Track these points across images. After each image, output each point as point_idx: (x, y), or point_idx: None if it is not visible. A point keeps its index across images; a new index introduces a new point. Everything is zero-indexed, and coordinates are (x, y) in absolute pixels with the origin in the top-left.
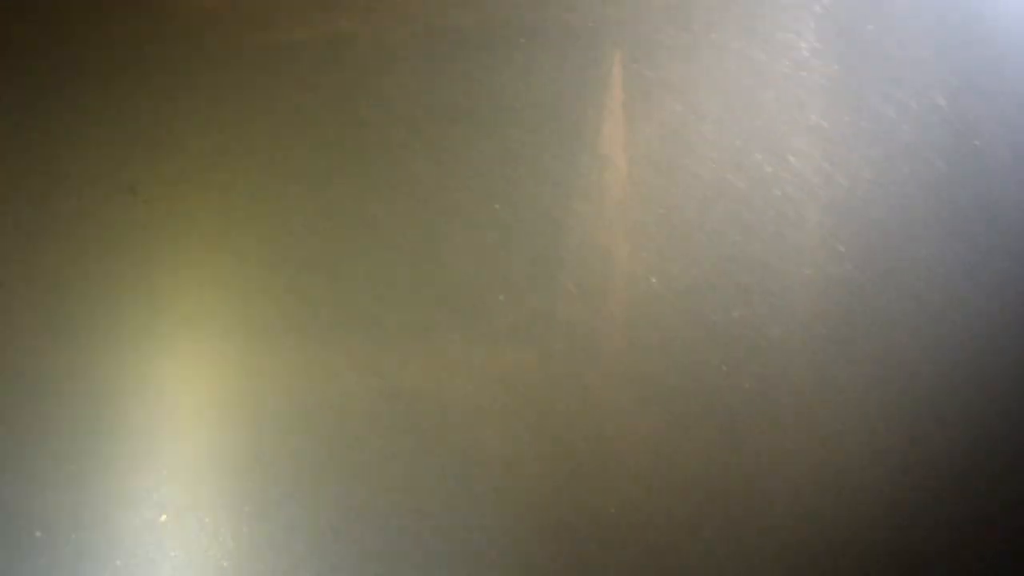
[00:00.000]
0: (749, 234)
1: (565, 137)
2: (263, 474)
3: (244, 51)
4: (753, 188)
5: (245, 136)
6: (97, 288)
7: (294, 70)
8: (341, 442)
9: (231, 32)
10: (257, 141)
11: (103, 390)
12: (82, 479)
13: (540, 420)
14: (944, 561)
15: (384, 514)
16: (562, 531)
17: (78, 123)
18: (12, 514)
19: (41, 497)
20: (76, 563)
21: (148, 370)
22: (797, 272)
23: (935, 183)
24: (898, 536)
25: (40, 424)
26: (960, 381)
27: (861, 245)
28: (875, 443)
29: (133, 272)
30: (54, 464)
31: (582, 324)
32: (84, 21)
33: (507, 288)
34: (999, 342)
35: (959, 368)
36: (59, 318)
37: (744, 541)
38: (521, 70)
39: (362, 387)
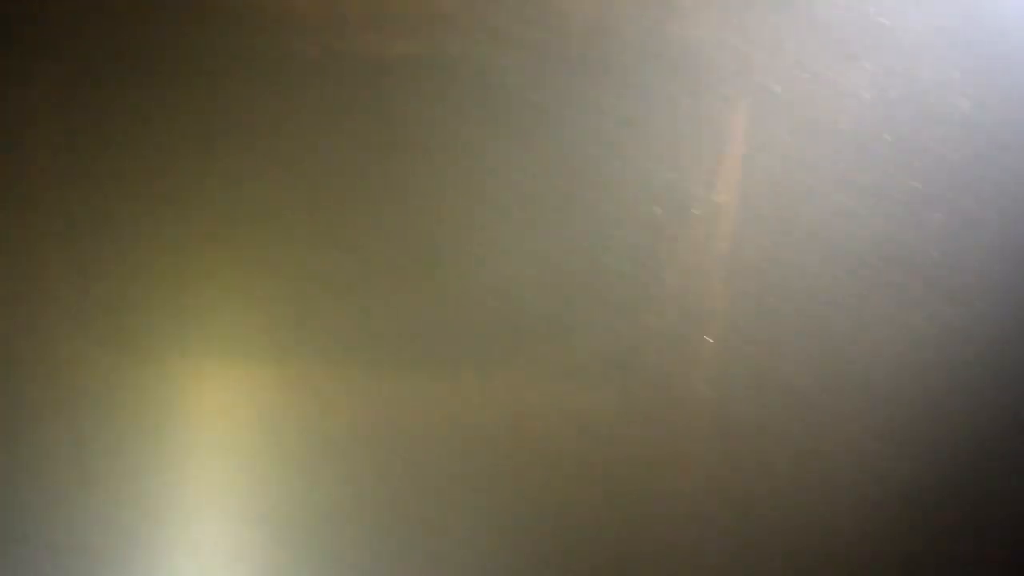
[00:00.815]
0: (839, 284)
1: (666, 177)
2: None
3: (344, 62)
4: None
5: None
6: (129, 303)
7: (400, 84)
8: (396, 485)
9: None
10: (318, 160)
11: (134, 407)
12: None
13: (616, 467)
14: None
15: (441, 558)
16: None
17: (129, 133)
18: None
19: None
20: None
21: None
22: (897, 320)
23: None
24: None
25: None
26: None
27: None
28: None
29: (166, 292)
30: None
31: (666, 366)
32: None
33: (586, 325)
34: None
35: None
36: (94, 329)
37: None
38: (631, 100)
39: (417, 425)
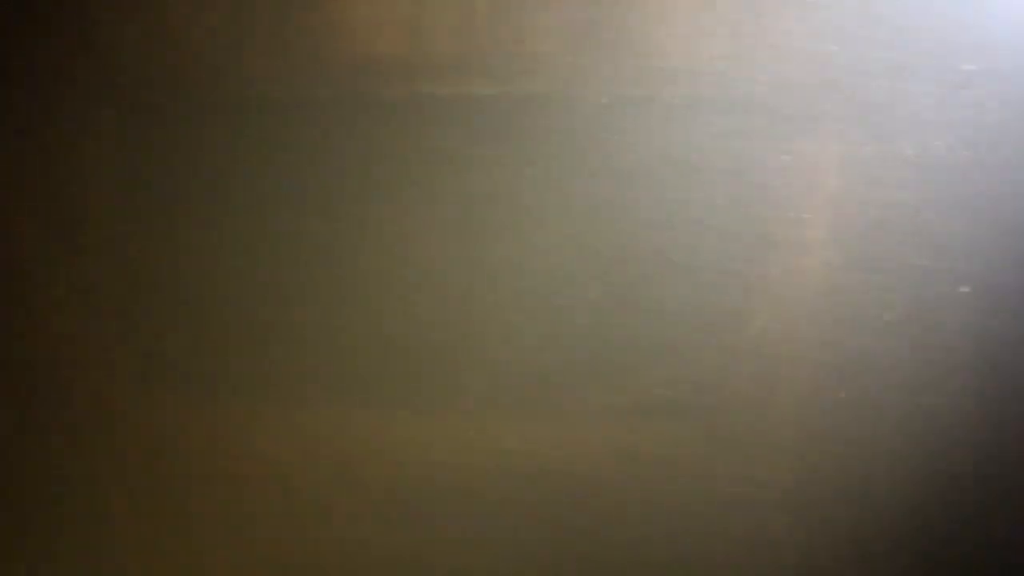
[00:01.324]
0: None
1: (759, 200)
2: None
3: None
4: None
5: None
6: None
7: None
8: (460, 524)
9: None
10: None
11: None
12: None
13: (698, 505)
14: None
15: None
16: None
17: (193, 175)
18: None
19: None
20: None
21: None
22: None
23: None
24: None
25: None
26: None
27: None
28: None
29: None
30: None
31: (753, 401)
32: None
33: (666, 354)
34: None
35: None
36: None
37: None
38: (719, 136)
39: (483, 464)
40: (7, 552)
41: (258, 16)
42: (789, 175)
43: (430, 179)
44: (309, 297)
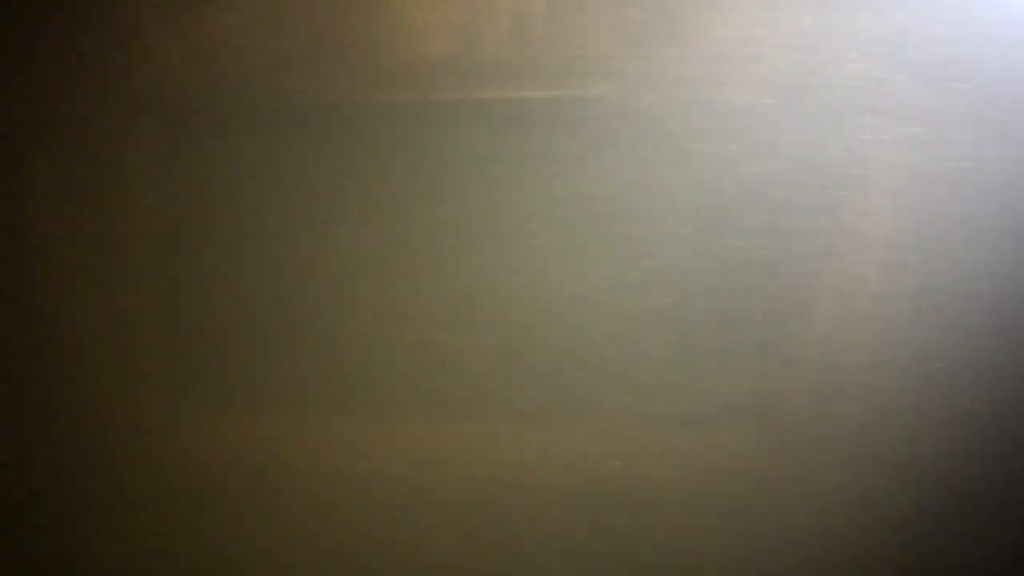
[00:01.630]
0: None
1: (822, 206)
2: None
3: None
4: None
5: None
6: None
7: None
8: (521, 539)
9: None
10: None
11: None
12: None
13: (765, 514)
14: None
15: None
16: None
17: (238, 187)
18: None
19: None
20: None
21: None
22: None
23: None
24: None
25: None
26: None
27: None
28: None
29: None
30: None
31: (816, 409)
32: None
33: (726, 362)
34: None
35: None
36: None
37: None
38: (781, 141)
39: (537, 476)
40: (43, 560)
41: (311, 22)
42: (852, 180)
43: (485, 183)
44: (361, 307)
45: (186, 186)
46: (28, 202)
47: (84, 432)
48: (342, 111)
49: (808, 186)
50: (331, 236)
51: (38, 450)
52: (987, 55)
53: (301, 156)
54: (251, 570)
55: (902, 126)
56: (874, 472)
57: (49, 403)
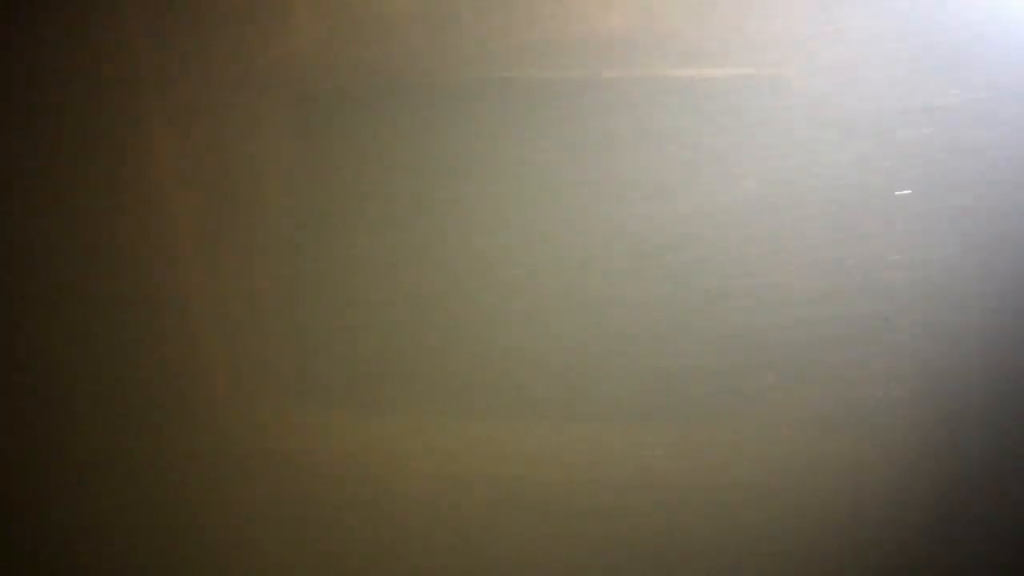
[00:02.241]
0: None
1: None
2: None
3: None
4: None
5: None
6: None
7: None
8: (598, 545)
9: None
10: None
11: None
12: None
13: (840, 514)
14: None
15: None
16: None
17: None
18: None
19: None
20: None
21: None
22: None
23: None
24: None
25: None
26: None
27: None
28: None
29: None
30: None
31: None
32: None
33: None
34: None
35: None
36: None
37: None
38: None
39: (610, 478)
40: (160, 559)
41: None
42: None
43: (660, 163)
44: (498, 309)
45: (319, 173)
46: (156, 189)
47: (203, 431)
48: (509, 87)
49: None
50: (479, 230)
51: (154, 447)
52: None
53: (452, 140)
54: (367, 571)
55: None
56: (875, 473)
57: (168, 400)
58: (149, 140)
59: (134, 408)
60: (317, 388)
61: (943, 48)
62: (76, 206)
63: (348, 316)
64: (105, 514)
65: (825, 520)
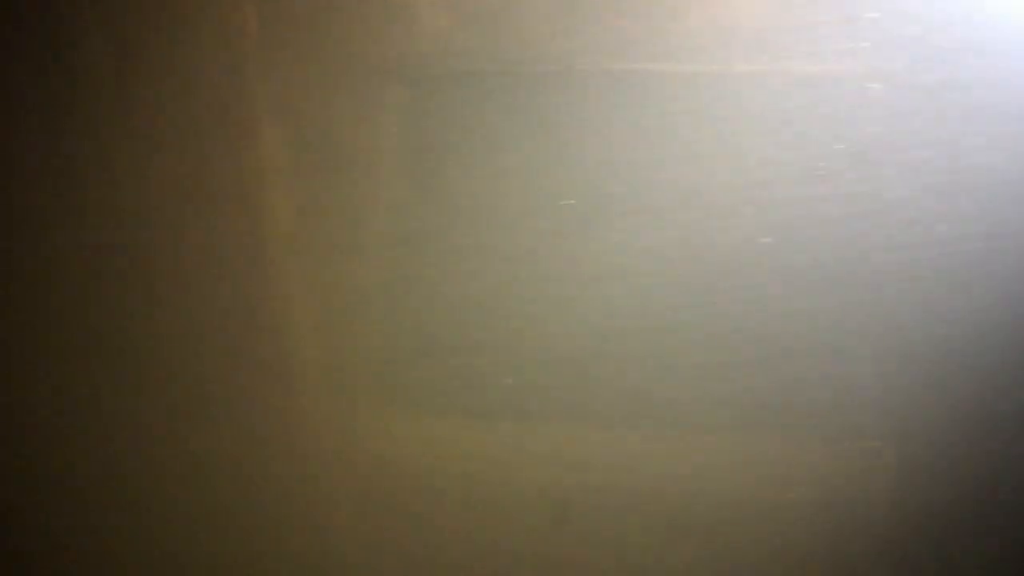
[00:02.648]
0: None
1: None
2: None
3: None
4: None
5: None
6: None
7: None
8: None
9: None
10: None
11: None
12: None
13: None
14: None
15: None
16: None
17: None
18: None
19: None
20: None
21: None
22: None
23: None
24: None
25: None
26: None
27: None
28: None
29: None
30: None
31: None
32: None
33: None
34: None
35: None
36: None
37: None
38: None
39: (661, 488)
40: (245, 562)
41: None
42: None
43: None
44: (602, 315)
45: (431, 167)
46: (260, 182)
47: (299, 434)
48: (628, 80)
49: None
50: (607, 230)
51: (252, 451)
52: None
53: (578, 133)
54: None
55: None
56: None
57: (264, 403)
58: (255, 133)
59: (232, 410)
60: (419, 394)
61: None
62: (177, 199)
63: (453, 321)
64: (208, 517)
65: (827, 526)
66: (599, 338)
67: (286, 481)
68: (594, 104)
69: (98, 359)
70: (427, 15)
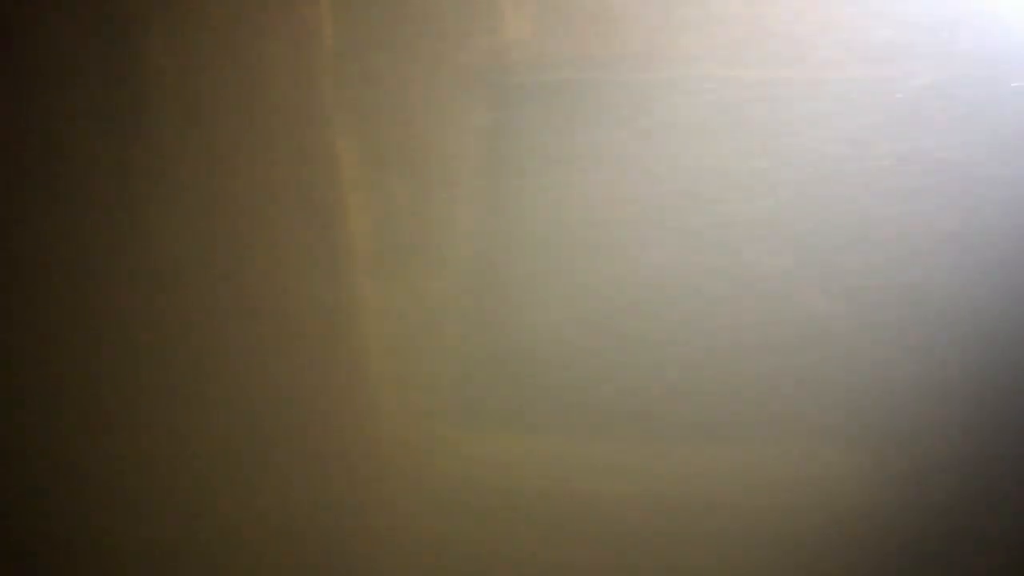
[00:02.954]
0: None
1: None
2: None
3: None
4: None
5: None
6: None
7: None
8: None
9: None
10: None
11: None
12: None
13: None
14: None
15: None
16: None
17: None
18: None
19: None
20: None
21: None
22: None
23: None
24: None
25: None
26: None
27: None
28: None
29: None
30: None
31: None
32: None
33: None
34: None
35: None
36: None
37: None
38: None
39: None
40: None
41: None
42: None
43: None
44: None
45: (513, 181)
46: (336, 193)
47: (365, 449)
48: (723, 87)
49: None
50: (685, 246)
51: (315, 466)
52: None
53: (665, 144)
54: None
55: None
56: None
57: (330, 417)
58: (332, 145)
59: (296, 422)
60: (489, 412)
61: None
62: (248, 209)
63: (529, 338)
64: (276, 539)
65: (829, 531)
66: (692, 359)
67: (359, 502)
68: (688, 112)
69: (166, 370)
70: (512, 23)
